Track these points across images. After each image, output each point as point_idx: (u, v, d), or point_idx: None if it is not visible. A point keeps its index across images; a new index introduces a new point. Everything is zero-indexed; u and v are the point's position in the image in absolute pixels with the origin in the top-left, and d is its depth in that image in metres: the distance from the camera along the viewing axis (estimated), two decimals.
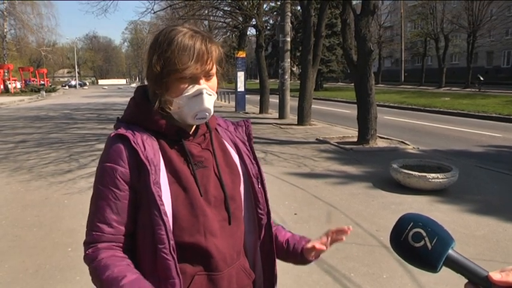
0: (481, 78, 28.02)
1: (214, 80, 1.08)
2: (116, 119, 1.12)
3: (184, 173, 1.04)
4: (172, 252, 0.98)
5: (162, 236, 0.97)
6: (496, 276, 0.61)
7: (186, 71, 1.00)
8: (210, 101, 1.05)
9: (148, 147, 1.02)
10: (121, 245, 1.02)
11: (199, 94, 1.03)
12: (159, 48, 1.02)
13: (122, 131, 1.03)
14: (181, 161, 1.06)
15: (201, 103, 1.03)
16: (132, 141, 1.00)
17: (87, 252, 1.01)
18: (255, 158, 1.20)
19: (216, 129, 1.19)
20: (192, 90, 1.02)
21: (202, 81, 1.04)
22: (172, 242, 0.98)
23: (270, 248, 1.20)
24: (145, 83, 1.13)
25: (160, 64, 1.01)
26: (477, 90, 27.48)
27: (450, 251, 0.65)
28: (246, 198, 1.16)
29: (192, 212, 1.02)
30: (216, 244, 1.05)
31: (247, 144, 1.22)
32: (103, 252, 0.99)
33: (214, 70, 1.07)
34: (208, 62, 1.03)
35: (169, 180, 1.02)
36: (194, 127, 1.11)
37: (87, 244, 1.02)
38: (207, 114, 1.06)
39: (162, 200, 0.98)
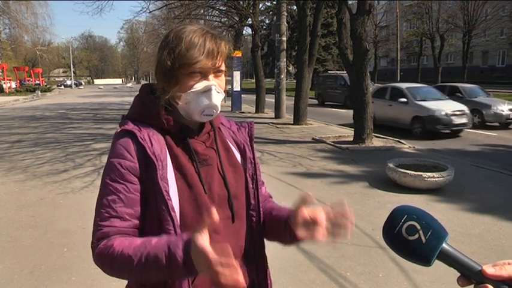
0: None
1: (223, 78, 1.07)
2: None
3: (189, 170, 1.04)
4: None
5: (170, 231, 0.97)
6: (489, 270, 0.61)
7: (196, 65, 1.00)
8: (218, 98, 1.04)
9: (155, 142, 1.02)
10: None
11: (208, 90, 1.03)
12: (170, 44, 1.02)
13: (128, 126, 1.03)
14: (186, 158, 1.06)
15: (209, 99, 1.03)
16: (139, 137, 1.01)
17: (98, 248, 0.96)
18: (254, 158, 1.20)
19: (219, 127, 1.18)
20: (201, 85, 1.02)
21: (211, 77, 1.04)
22: None
23: (260, 251, 1.18)
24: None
25: (171, 58, 1.01)
26: None
27: (444, 245, 0.65)
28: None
29: (196, 209, 1.02)
30: (220, 242, 1.01)
31: (248, 144, 1.21)
32: (115, 239, 0.95)
33: (223, 67, 1.06)
34: (218, 57, 1.03)
35: (175, 176, 1.02)
36: (199, 125, 1.11)
37: (96, 241, 0.97)
38: (214, 111, 1.05)
39: (169, 195, 0.98)
